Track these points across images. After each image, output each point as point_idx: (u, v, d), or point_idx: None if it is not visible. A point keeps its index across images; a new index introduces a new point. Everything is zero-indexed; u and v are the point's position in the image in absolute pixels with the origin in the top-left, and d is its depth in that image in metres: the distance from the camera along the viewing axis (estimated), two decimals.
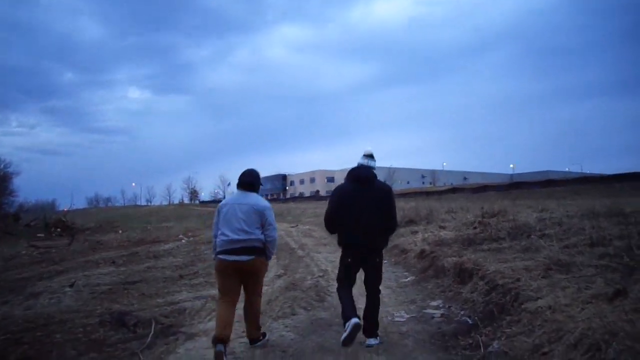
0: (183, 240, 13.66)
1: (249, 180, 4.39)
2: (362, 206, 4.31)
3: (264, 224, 4.24)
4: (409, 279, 7.35)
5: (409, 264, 8.29)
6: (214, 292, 6.89)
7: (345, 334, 4.04)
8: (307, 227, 19.33)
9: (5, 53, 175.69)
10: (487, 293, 5.20)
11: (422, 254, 8.19)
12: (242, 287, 4.34)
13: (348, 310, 4.21)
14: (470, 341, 4.26)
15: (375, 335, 4.31)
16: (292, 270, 8.73)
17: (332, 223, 4.56)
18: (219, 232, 4.26)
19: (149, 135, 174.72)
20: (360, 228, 4.30)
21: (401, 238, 10.54)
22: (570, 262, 5.35)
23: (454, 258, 6.85)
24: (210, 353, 3.96)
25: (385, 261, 8.65)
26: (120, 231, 19.08)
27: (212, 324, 5.22)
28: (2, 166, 46.81)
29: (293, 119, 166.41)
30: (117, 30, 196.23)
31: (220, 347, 3.83)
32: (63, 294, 6.35)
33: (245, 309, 4.39)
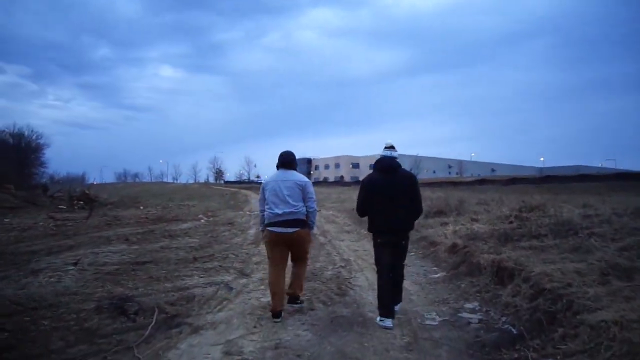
0: (202, 220, 13.29)
1: (289, 160, 4.92)
2: (390, 193, 4.71)
3: (305, 197, 4.79)
4: (439, 275, 6.73)
5: (438, 258, 7.65)
6: (229, 278, 6.45)
7: (381, 323, 4.51)
8: (330, 212, 18.79)
9: (45, 28, 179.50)
10: (533, 298, 4.56)
11: (453, 248, 7.54)
12: (289, 255, 4.96)
13: (385, 305, 4.62)
14: (516, 355, 3.66)
15: (397, 303, 4.88)
16: (313, 258, 8.18)
17: (363, 210, 4.98)
18: (267, 207, 4.76)
19: (178, 114, 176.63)
20: (388, 214, 4.72)
21: (430, 229, 9.88)
22: (631, 267, 4.66)
23: (491, 255, 6.19)
24: (216, 350, 3.69)
25: (412, 254, 8.06)
26: (141, 207, 18.87)
27: (221, 316, 4.77)
28: (34, 137, 47.63)
29: (320, 104, 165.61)
30: (153, 8, 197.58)
31: (276, 319, 4.58)
32: (64, 273, 5.96)
33: (293, 272, 5.04)
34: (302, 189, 4.78)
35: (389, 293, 4.72)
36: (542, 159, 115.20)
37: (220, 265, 7.10)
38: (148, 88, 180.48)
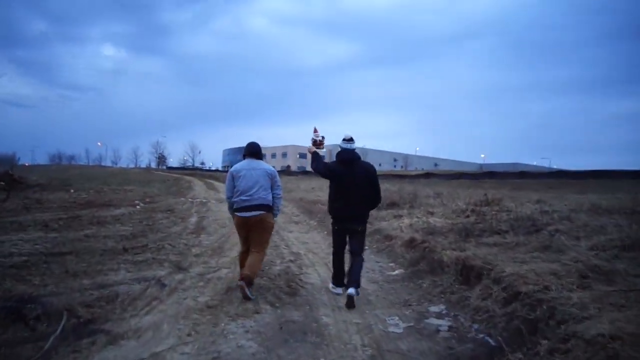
0: (138, 207, 12.19)
1: (257, 150, 5.29)
2: (350, 183, 5.04)
3: (273, 185, 5.16)
4: (397, 272, 6.20)
5: (395, 254, 7.14)
6: (162, 272, 5.64)
7: (333, 290, 5.23)
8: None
9: None
10: (507, 302, 4.08)
11: (411, 243, 7.05)
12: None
13: (337, 277, 5.28)
14: None
15: (356, 287, 4.83)
16: None
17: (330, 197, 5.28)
18: (238, 193, 5.02)
19: (120, 95, 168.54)
20: (348, 201, 5.04)
21: (383, 222, 9.39)
22: (610, 269, 4.28)
23: (454, 252, 5.71)
24: None
25: (365, 248, 7.50)
26: (72, 191, 17.33)
27: (149, 320, 3.99)
28: None
29: (269, 93, 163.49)
30: None
31: (242, 283, 4.75)
32: None
33: (251, 256, 5.03)
34: (271, 177, 5.17)
35: (342, 267, 5.27)
36: (483, 155, 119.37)
37: (153, 258, 6.24)
38: (88, 67, 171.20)
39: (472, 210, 8.90)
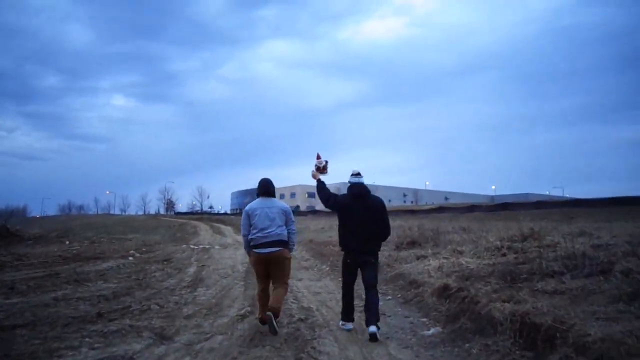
0: (131, 258, 11.05)
1: (271, 189, 5.46)
2: (361, 216, 5.07)
3: (287, 221, 5.34)
4: (433, 331, 4.96)
5: (426, 305, 5.91)
6: (138, 346, 4.45)
7: (343, 327, 5.14)
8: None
9: None
10: None
11: (445, 291, 5.84)
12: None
13: (347, 312, 5.20)
14: None
15: (375, 324, 4.74)
16: None
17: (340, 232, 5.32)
18: (255, 231, 5.17)
19: (130, 144, 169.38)
20: (359, 235, 5.04)
21: (406, 264, 8.19)
22: None
23: (507, 304, 4.51)
24: None
25: (389, 297, 6.28)
26: (67, 242, 16.32)
27: None
28: None
29: (276, 134, 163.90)
30: (105, 36, 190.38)
31: (270, 314, 4.88)
32: None
33: (275, 290, 5.21)
34: (286, 214, 5.36)
35: (352, 302, 5.23)
36: (493, 187, 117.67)
37: (131, 325, 5.06)
38: (99, 117, 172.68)
39: (509, 247, 7.69)
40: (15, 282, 7.16)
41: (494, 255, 7.53)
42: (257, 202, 5.37)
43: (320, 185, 5.44)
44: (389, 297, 6.82)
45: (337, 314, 5.93)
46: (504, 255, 7.39)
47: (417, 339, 4.77)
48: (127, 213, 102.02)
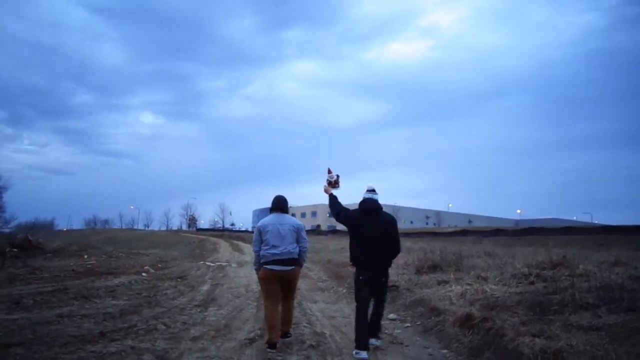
0: (144, 274, 10.87)
1: (284, 205, 5.49)
2: (372, 232, 5.07)
3: (299, 239, 5.34)
4: None
5: (447, 335, 5.49)
6: None
7: (356, 356, 4.79)
8: (305, 264, 16.50)
9: (25, 73, 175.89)
10: None
11: (468, 321, 5.42)
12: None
13: (361, 339, 4.90)
14: None
15: (376, 337, 5.16)
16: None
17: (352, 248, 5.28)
18: (266, 247, 5.20)
19: (155, 160, 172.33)
20: (371, 250, 5.05)
21: (426, 289, 7.77)
22: None
23: (537, 339, 4.10)
24: None
25: (407, 325, 5.93)
26: (85, 256, 16.29)
27: None
28: None
29: (299, 153, 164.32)
30: (138, 56, 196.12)
31: (271, 349, 4.93)
32: None
33: (284, 309, 5.35)
34: (297, 231, 5.32)
35: (366, 328, 5.01)
36: (519, 211, 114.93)
37: (132, 347, 4.80)
38: (127, 134, 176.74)
39: (537, 275, 7.23)
40: (22, 297, 7.00)
41: (521, 283, 7.07)
42: (269, 218, 5.36)
43: (332, 199, 5.46)
44: (408, 324, 6.42)
45: (352, 340, 5.56)
46: (531, 283, 6.93)
47: None
48: (150, 228, 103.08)
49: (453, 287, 7.37)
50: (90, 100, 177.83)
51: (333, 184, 5.51)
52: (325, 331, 6.01)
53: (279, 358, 4.79)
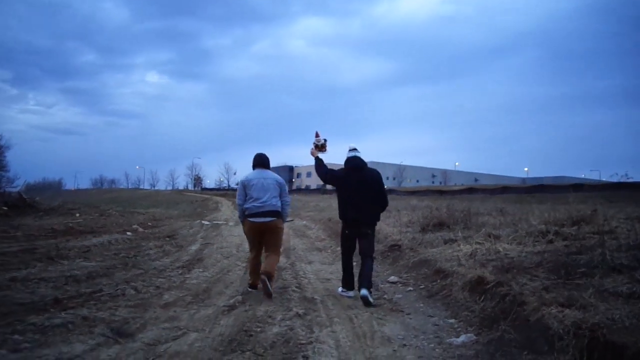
0: (129, 233, 10.19)
1: (266, 162, 5.69)
2: (358, 187, 5.26)
3: (281, 193, 5.56)
4: (463, 338, 3.81)
5: (455, 301, 4.75)
6: (81, 347, 3.48)
7: (343, 293, 5.33)
8: (304, 222, 15.87)
9: (29, 32, 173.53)
10: None
11: (479, 285, 4.67)
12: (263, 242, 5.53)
13: (347, 281, 5.37)
14: None
15: (368, 288, 4.96)
16: (256, 296, 5.28)
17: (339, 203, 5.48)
18: (250, 200, 5.40)
19: (161, 120, 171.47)
20: (357, 206, 5.24)
21: (432, 249, 7.03)
22: None
23: (567, 310, 3.33)
24: None
25: (410, 288, 5.23)
26: (77, 214, 15.70)
27: None
28: None
29: (305, 112, 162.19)
30: (141, 14, 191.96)
31: (264, 277, 5.11)
32: None
33: (267, 257, 5.44)
34: (280, 186, 5.56)
35: (351, 272, 5.37)
36: (526, 169, 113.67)
37: (85, 317, 4.09)
38: (133, 94, 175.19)
39: (556, 233, 6.43)
40: None
41: (538, 241, 6.29)
42: (253, 174, 5.56)
43: (318, 162, 5.58)
44: (410, 288, 5.71)
45: (345, 307, 4.88)
46: (550, 242, 6.15)
47: (443, 349, 3.65)
48: (155, 188, 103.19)
49: (461, 247, 6.62)
50: (95, 60, 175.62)
51: (320, 147, 5.64)
52: (316, 297, 5.30)
53: (258, 329, 4.08)
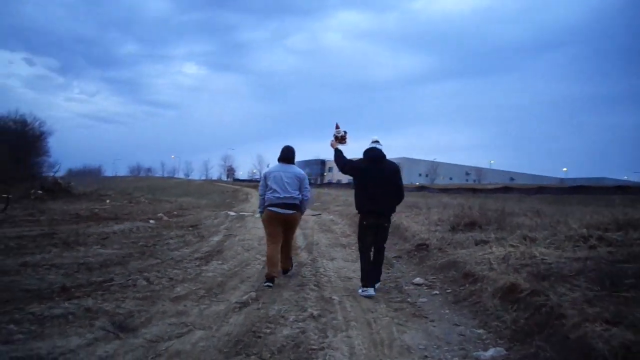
0: (152, 221, 10.12)
1: (290, 156, 5.88)
2: (375, 179, 5.28)
3: (301, 187, 5.75)
4: (492, 352, 3.42)
5: (484, 309, 4.35)
6: (77, 341, 3.28)
7: (363, 293, 5.09)
8: (331, 217, 15.56)
9: (75, 22, 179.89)
10: None
11: (511, 293, 4.26)
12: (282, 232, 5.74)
13: (367, 279, 5.17)
14: None
15: (373, 285, 5.16)
16: (271, 293, 5.02)
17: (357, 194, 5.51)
18: (270, 191, 5.62)
19: (198, 111, 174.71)
20: (374, 197, 5.26)
21: (461, 250, 6.60)
22: None
23: (614, 329, 2.91)
24: None
25: (436, 292, 4.85)
26: (107, 201, 15.87)
27: None
28: (37, 125, 44.90)
29: (340, 106, 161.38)
30: (182, 6, 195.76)
31: (270, 283, 5.30)
32: None
33: (283, 247, 5.76)
34: (300, 181, 5.75)
35: (372, 270, 5.28)
36: (565, 169, 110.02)
37: (88, 308, 3.91)
38: (171, 85, 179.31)
39: (600, 238, 5.90)
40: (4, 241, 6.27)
41: (578, 246, 5.78)
42: (275, 167, 5.80)
43: (338, 153, 5.61)
44: (436, 291, 5.33)
45: (364, 310, 4.55)
46: (592, 247, 5.62)
47: None
48: (189, 178, 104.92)
49: (494, 249, 6.16)
50: (136, 50, 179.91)
51: (340, 139, 5.67)
52: (334, 297, 4.99)
53: (268, 330, 3.81)
